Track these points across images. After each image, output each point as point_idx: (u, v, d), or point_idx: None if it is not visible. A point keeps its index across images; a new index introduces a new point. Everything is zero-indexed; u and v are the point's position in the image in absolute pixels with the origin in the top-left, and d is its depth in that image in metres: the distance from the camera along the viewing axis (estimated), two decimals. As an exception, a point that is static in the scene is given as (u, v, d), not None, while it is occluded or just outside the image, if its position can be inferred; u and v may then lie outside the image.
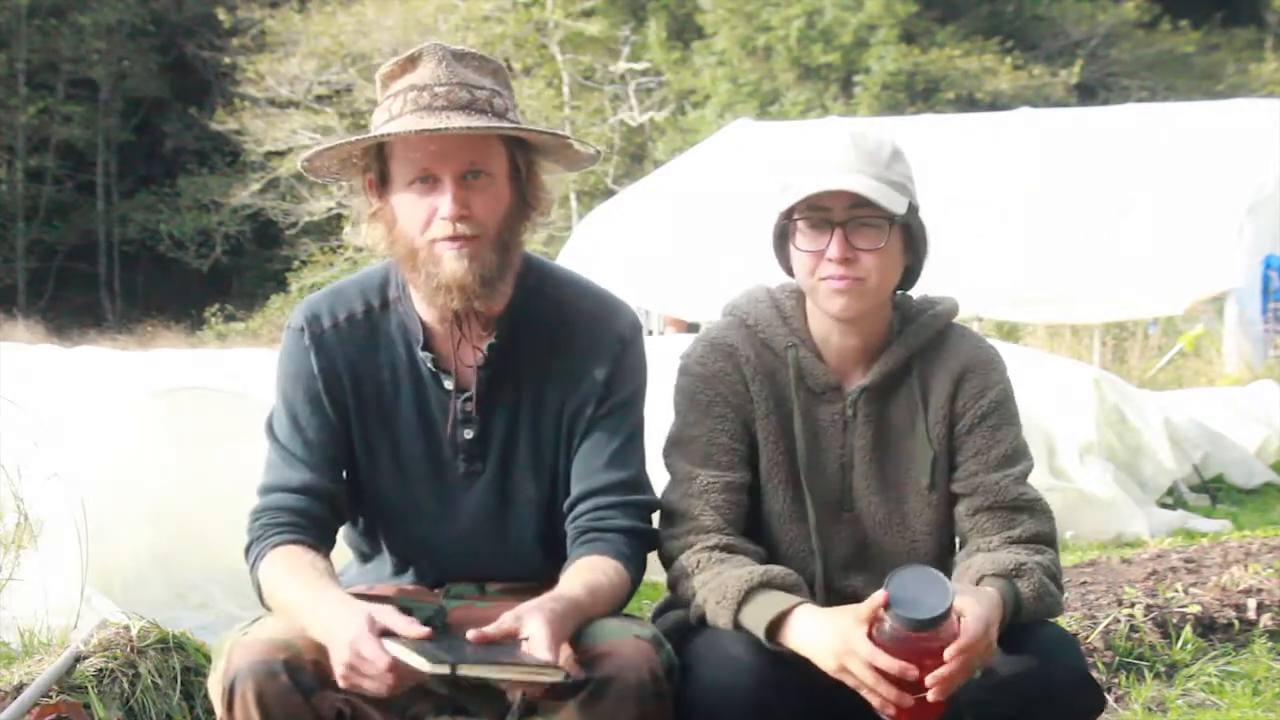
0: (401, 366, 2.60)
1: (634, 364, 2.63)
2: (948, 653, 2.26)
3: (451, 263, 2.46)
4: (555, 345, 2.60)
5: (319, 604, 2.33)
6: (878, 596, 2.27)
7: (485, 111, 2.47)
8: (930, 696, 2.26)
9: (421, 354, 2.58)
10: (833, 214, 2.53)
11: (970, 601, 2.32)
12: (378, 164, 2.52)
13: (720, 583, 2.46)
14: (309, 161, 2.57)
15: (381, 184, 2.53)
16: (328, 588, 2.37)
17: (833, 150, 2.56)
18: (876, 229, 2.54)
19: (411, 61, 2.50)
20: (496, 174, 2.49)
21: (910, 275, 2.66)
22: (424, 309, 2.58)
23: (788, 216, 2.58)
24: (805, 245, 2.56)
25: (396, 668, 2.19)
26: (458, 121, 2.42)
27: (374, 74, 2.60)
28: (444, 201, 2.45)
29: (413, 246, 2.48)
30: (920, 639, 2.25)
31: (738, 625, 2.43)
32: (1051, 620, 2.54)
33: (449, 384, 2.58)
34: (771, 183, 2.69)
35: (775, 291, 2.71)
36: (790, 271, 2.66)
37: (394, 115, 2.47)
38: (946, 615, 2.24)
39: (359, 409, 2.59)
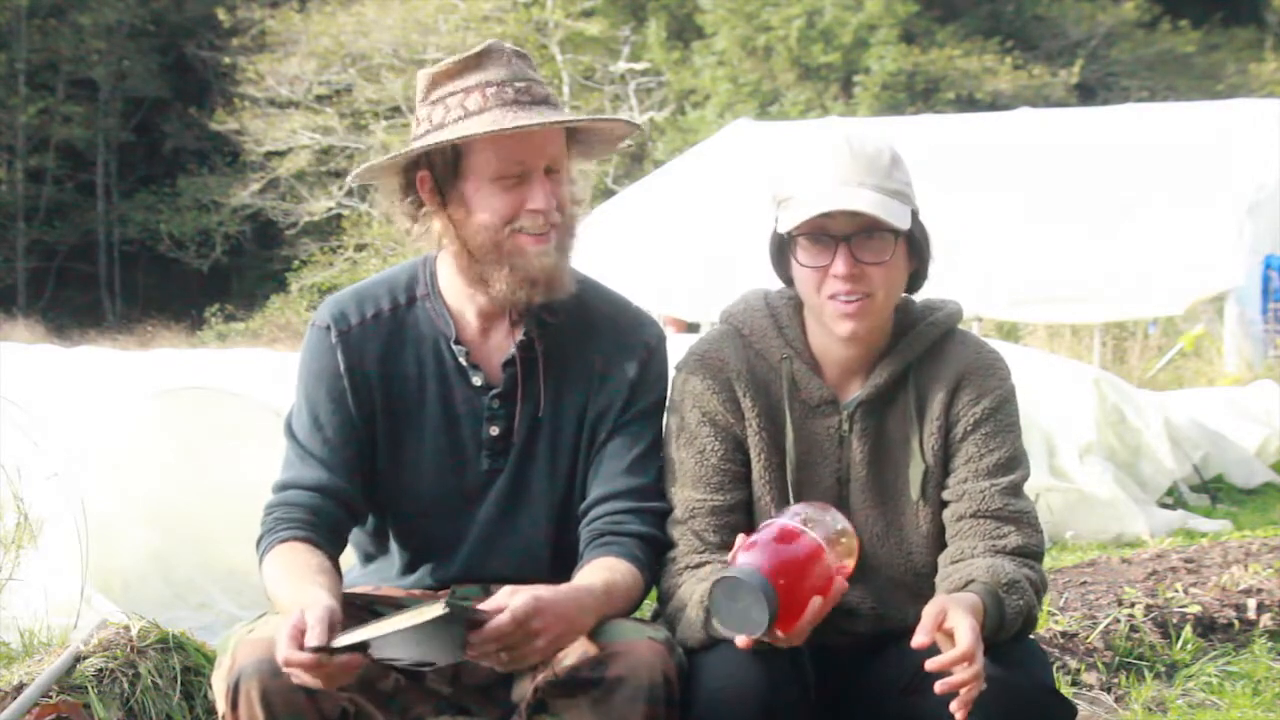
0: (428, 363, 2.60)
1: (658, 373, 2.64)
2: (943, 662, 2.26)
3: (541, 257, 2.50)
4: (581, 347, 2.61)
5: (295, 602, 2.29)
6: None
7: (557, 106, 2.52)
8: (959, 718, 2.25)
9: (455, 348, 2.58)
10: (835, 228, 2.47)
11: (959, 612, 2.29)
12: (453, 160, 2.51)
13: (687, 617, 2.44)
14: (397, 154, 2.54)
15: (451, 179, 2.52)
16: (310, 586, 2.33)
17: (832, 161, 2.48)
18: (882, 242, 2.47)
19: (477, 59, 2.51)
20: (564, 168, 2.55)
21: (915, 279, 2.60)
22: (460, 304, 2.59)
23: (787, 231, 2.53)
24: (808, 261, 2.50)
25: (300, 662, 2.16)
26: (553, 115, 2.46)
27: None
28: (536, 194, 2.49)
29: (496, 240, 2.50)
30: (784, 611, 2.26)
31: (711, 636, 2.41)
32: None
33: (478, 380, 2.59)
34: (766, 190, 2.65)
35: (773, 298, 2.65)
36: (789, 281, 2.61)
37: (471, 111, 2.47)
38: (772, 595, 2.23)
39: (385, 405, 2.59)
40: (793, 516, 2.37)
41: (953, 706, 2.23)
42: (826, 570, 2.31)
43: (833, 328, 2.52)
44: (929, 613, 2.29)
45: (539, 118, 2.45)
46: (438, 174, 2.52)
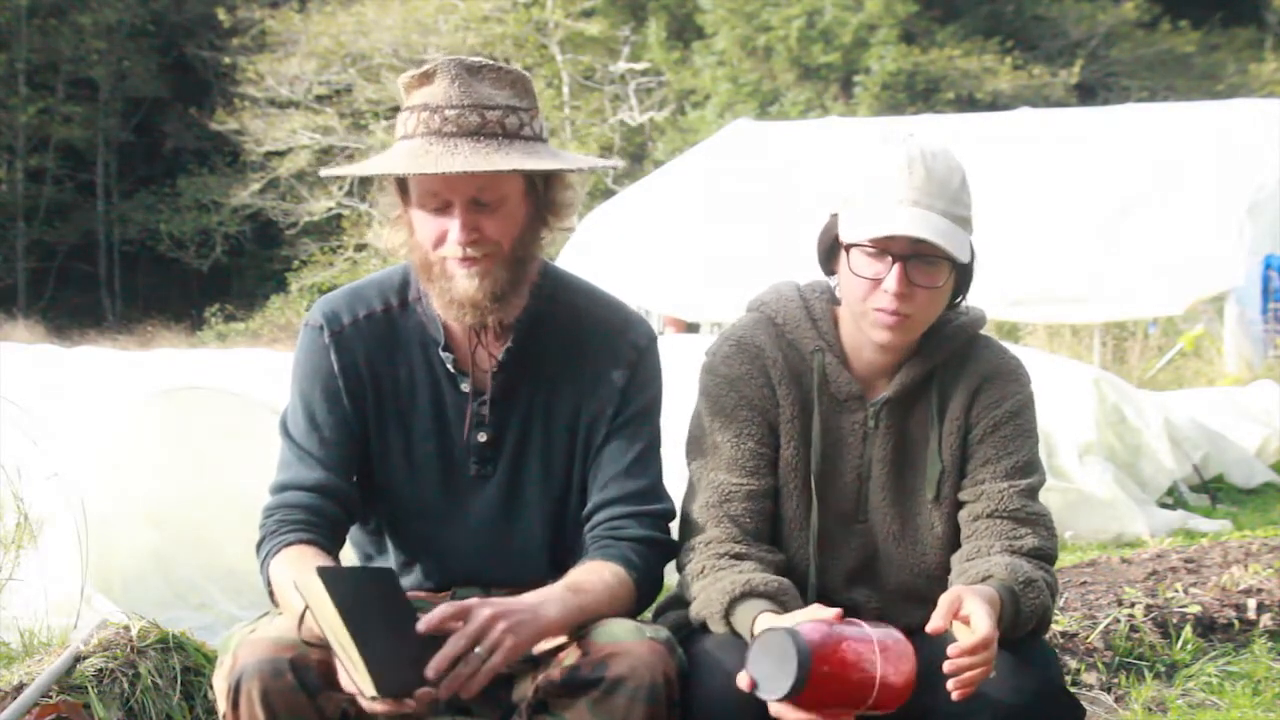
0: (419, 367, 2.60)
1: (650, 373, 2.63)
2: (952, 649, 2.26)
3: (463, 281, 2.47)
4: (570, 352, 2.60)
5: None
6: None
7: (495, 135, 2.44)
8: (954, 697, 2.26)
9: (442, 354, 2.58)
10: (895, 247, 2.48)
11: (975, 600, 2.30)
12: (400, 179, 2.52)
13: (710, 593, 2.47)
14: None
15: (404, 192, 2.54)
16: None
17: (907, 176, 2.48)
18: (937, 269, 2.49)
19: (427, 77, 2.48)
20: (509, 194, 2.48)
21: (951, 298, 2.61)
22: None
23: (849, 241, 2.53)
24: (861, 271, 2.51)
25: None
26: (459, 161, 2.40)
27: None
28: (454, 226, 2.46)
29: (427, 260, 2.50)
30: (798, 700, 2.22)
31: (729, 625, 2.44)
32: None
33: (466, 386, 2.59)
34: (834, 185, 2.62)
35: (805, 290, 2.67)
36: (829, 271, 2.63)
37: (409, 133, 2.47)
38: (802, 685, 2.19)
39: (376, 406, 2.60)
40: (881, 641, 2.28)
41: (951, 684, 2.24)
42: (857, 704, 2.26)
43: (869, 334, 2.55)
44: (945, 599, 2.31)
45: (441, 161, 2.40)
46: (399, 187, 2.54)
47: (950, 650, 2.25)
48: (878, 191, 2.49)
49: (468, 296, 2.48)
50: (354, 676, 2.17)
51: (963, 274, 2.58)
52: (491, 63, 2.52)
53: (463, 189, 2.44)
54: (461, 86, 2.46)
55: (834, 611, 2.30)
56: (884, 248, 2.48)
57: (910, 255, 2.47)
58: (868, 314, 2.53)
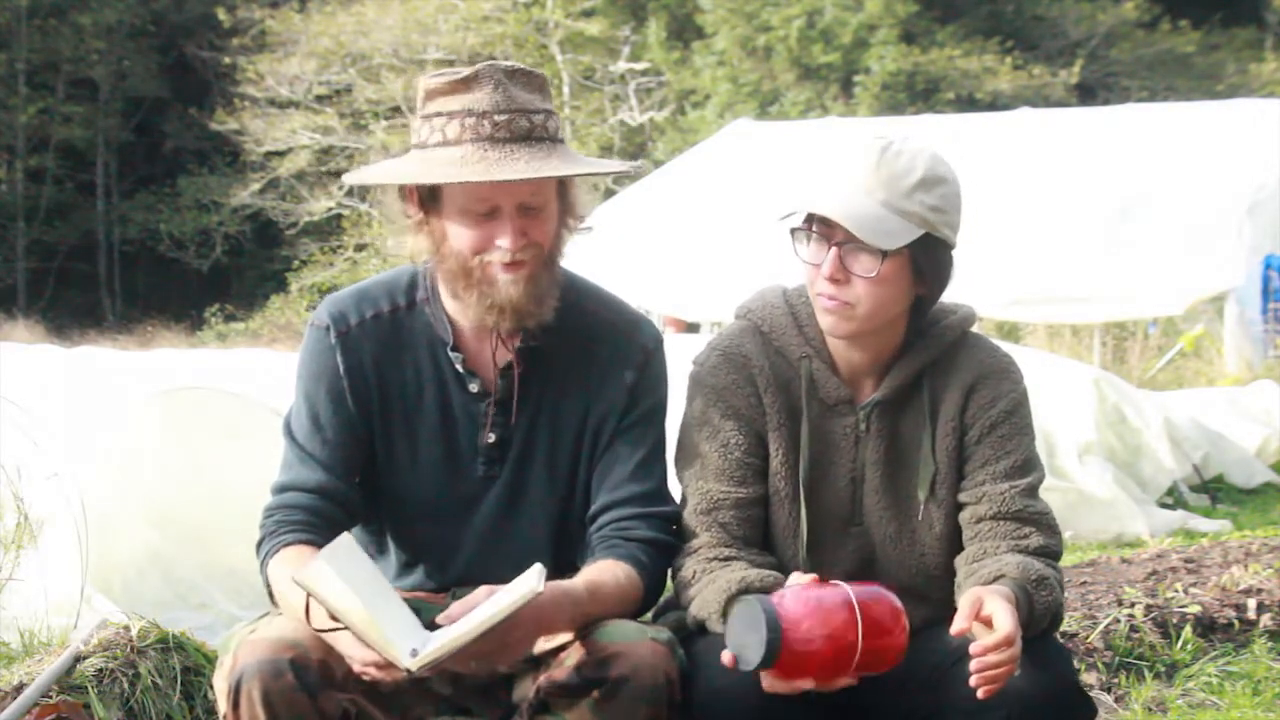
0: (426, 368, 2.60)
1: (657, 376, 2.64)
2: (974, 647, 2.27)
3: (508, 287, 2.47)
4: (579, 353, 2.61)
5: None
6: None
7: (544, 139, 2.46)
8: (980, 694, 2.26)
9: (451, 354, 2.58)
10: (831, 232, 2.50)
11: (996, 600, 2.31)
12: (429, 185, 2.49)
13: (707, 594, 2.48)
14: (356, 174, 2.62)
15: (430, 199, 2.51)
16: None
17: (858, 165, 2.51)
18: (870, 257, 2.49)
19: (465, 83, 2.46)
20: (549, 198, 2.51)
21: (923, 305, 2.61)
22: (456, 312, 2.58)
23: (805, 222, 2.55)
24: (806, 256, 2.55)
25: (378, 664, 2.24)
26: (521, 167, 2.41)
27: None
28: (505, 232, 2.46)
29: (466, 266, 2.49)
30: (778, 667, 2.24)
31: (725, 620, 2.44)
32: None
33: (475, 386, 2.58)
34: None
35: (791, 295, 2.67)
36: None
37: (449, 140, 2.45)
38: (775, 649, 2.20)
39: (382, 407, 2.59)
40: (860, 597, 2.28)
41: (976, 681, 2.25)
42: (844, 664, 2.27)
43: (819, 321, 2.58)
44: (966, 601, 2.32)
45: (506, 167, 2.41)
46: (421, 193, 2.52)
47: (973, 649, 2.26)
48: (827, 177, 2.53)
49: (511, 300, 2.48)
50: (384, 652, 2.18)
51: (928, 273, 2.56)
52: (519, 66, 2.52)
53: (516, 194, 2.45)
54: (504, 92, 2.46)
55: (809, 576, 2.32)
56: (825, 232, 2.51)
57: (845, 241, 2.49)
58: (815, 301, 2.56)
